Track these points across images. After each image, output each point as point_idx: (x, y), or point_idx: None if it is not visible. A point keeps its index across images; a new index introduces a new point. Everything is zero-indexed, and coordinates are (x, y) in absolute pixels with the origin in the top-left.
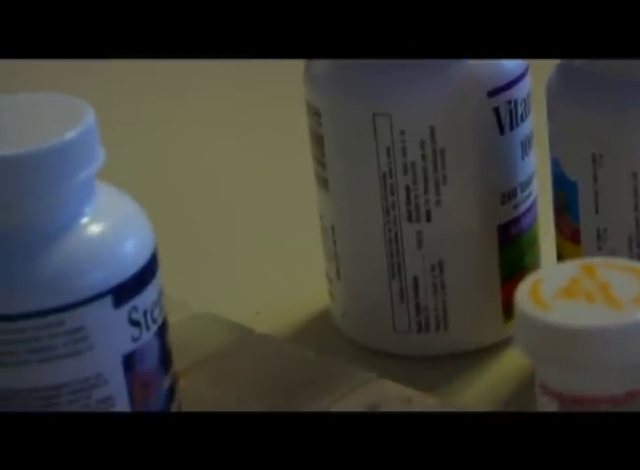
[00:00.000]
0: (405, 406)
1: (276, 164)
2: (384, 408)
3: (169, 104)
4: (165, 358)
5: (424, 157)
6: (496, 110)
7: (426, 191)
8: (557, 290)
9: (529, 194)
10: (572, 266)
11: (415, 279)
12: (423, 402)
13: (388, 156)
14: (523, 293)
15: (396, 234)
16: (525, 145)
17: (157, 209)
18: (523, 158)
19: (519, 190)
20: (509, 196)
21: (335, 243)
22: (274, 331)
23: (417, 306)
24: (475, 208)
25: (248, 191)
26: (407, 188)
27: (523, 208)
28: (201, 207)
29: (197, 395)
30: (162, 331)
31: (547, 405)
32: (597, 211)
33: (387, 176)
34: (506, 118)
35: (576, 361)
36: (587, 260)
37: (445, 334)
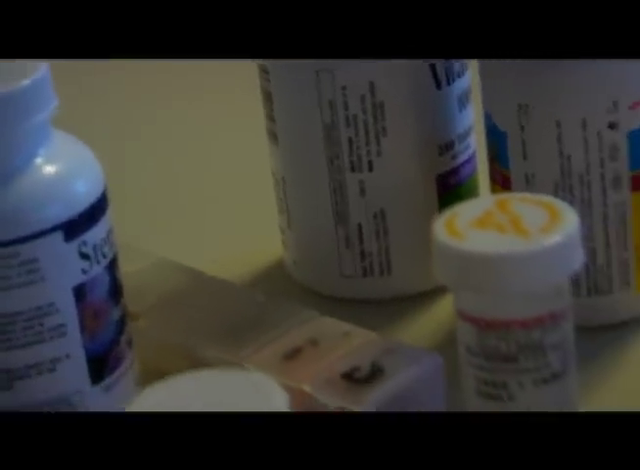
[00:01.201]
0: (344, 340)
1: (235, 120)
2: (323, 342)
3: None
4: (115, 291)
5: (364, 110)
6: (432, 66)
7: (367, 143)
8: (471, 221)
9: (468, 146)
10: (488, 200)
11: (359, 226)
12: (360, 336)
13: (331, 110)
14: (439, 224)
15: (340, 183)
16: (463, 100)
17: (121, 165)
18: (460, 111)
19: (456, 142)
20: (447, 147)
21: (285, 194)
22: (232, 278)
23: (362, 252)
24: (414, 158)
25: (208, 144)
26: (350, 140)
27: (461, 159)
28: (164, 163)
29: (153, 333)
30: (112, 266)
31: (464, 331)
32: (525, 158)
33: (330, 129)
34: (442, 74)
35: (486, 286)
36: (502, 195)
37: (389, 278)
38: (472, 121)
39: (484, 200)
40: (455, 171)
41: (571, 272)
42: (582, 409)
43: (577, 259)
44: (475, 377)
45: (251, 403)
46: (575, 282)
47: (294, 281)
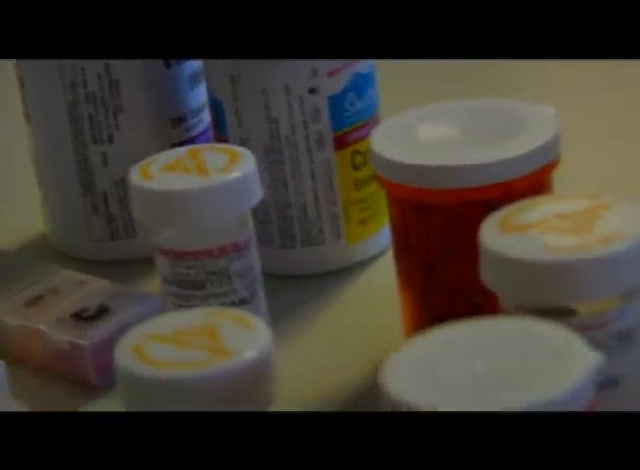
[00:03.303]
0: (80, 288)
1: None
2: (62, 290)
3: None
4: None
5: (102, 88)
6: None
7: (106, 117)
8: (162, 167)
9: (201, 120)
10: (181, 150)
11: (104, 194)
12: (94, 284)
13: (72, 89)
14: (134, 171)
15: (85, 156)
16: (194, 78)
17: None
18: (192, 88)
19: (189, 116)
20: (180, 121)
21: (39, 170)
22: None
23: (108, 218)
24: (149, 130)
25: None
26: (90, 116)
27: (195, 131)
28: None
29: None
30: None
31: (161, 263)
32: (239, 125)
33: (72, 107)
34: None
35: (173, 220)
36: (194, 146)
37: (134, 241)
38: (205, 98)
39: (179, 150)
40: (189, 142)
41: (249, 206)
42: (283, 348)
43: (255, 195)
44: (173, 304)
45: None
46: (291, 235)
47: (53, 248)
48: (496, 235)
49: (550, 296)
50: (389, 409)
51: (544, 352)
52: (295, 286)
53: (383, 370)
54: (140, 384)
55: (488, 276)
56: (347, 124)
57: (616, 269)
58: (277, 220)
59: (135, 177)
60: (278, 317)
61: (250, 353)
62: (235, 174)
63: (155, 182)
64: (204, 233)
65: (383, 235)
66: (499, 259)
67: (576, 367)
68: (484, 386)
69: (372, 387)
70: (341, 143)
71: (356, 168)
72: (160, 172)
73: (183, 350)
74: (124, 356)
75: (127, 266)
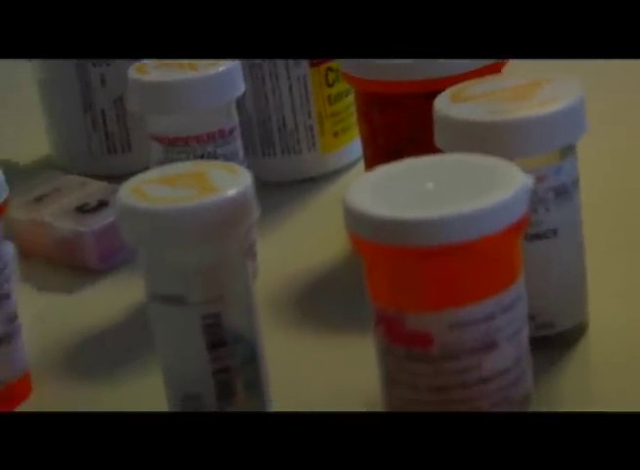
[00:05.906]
0: (81, 187)
1: None
2: (65, 189)
3: None
4: None
5: None
6: None
7: None
8: (156, 64)
9: None
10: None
11: (102, 112)
12: (93, 185)
13: None
14: (132, 70)
15: (86, 77)
16: None
17: None
18: None
19: None
20: None
21: (45, 95)
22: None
23: (106, 134)
24: None
25: None
26: None
27: None
28: None
29: None
30: None
31: (155, 151)
32: None
33: None
34: None
35: (167, 108)
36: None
37: (129, 155)
38: None
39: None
40: None
41: (234, 96)
42: (265, 241)
43: (238, 88)
44: None
45: None
46: (271, 144)
47: (57, 166)
48: (447, 104)
49: (494, 153)
50: (351, 222)
51: (486, 175)
52: (274, 191)
53: (347, 192)
54: (137, 216)
55: (441, 140)
56: None
57: (552, 128)
58: (259, 131)
59: (133, 73)
60: (260, 218)
61: (232, 190)
62: (221, 68)
63: (150, 75)
64: (194, 120)
65: (354, 147)
66: (449, 123)
67: (512, 184)
68: (433, 199)
69: (346, 261)
70: (315, 61)
71: (329, 85)
72: (154, 69)
73: (176, 188)
74: (125, 195)
75: (124, 180)
